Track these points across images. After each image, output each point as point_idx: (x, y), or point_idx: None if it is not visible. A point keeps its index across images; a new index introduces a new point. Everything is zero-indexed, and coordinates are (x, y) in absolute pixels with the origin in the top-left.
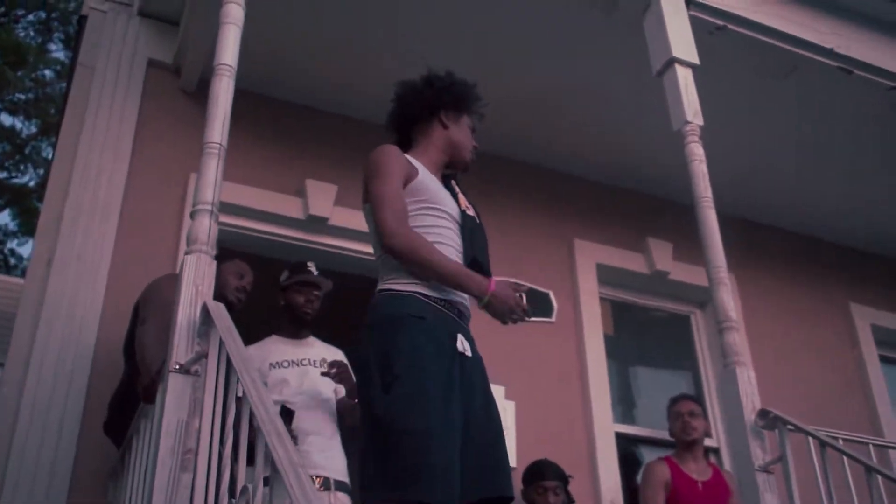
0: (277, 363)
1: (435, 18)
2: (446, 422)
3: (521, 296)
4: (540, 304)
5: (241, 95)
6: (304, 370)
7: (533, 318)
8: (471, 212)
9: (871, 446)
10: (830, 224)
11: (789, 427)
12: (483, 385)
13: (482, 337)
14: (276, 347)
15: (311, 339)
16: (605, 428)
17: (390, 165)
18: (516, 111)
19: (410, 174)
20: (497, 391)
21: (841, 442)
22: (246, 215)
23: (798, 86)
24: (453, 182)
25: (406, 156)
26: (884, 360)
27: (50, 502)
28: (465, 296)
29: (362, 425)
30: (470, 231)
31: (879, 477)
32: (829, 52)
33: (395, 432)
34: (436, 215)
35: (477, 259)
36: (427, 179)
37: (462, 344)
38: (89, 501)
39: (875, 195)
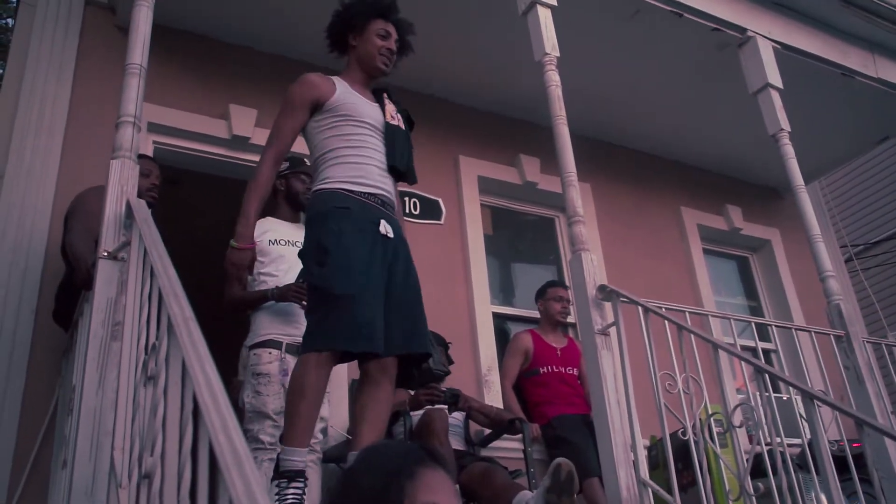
0: (276, 240)
1: None
2: (368, 288)
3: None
4: (431, 210)
5: (172, 32)
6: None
7: (425, 221)
8: (394, 121)
9: (686, 313)
10: (666, 142)
11: (622, 299)
12: (405, 260)
13: None
14: (275, 226)
15: (303, 224)
16: (484, 309)
17: (292, 100)
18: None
19: (324, 95)
20: None
21: (664, 310)
22: (177, 135)
23: (641, 26)
24: (385, 95)
25: (332, 78)
26: (706, 251)
27: (11, 380)
28: (388, 189)
29: (308, 295)
30: (391, 139)
31: (692, 335)
32: None
33: (327, 297)
34: (355, 124)
35: (395, 166)
36: (345, 96)
37: (384, 227)
38: (45, 376)
39: (701, 120)
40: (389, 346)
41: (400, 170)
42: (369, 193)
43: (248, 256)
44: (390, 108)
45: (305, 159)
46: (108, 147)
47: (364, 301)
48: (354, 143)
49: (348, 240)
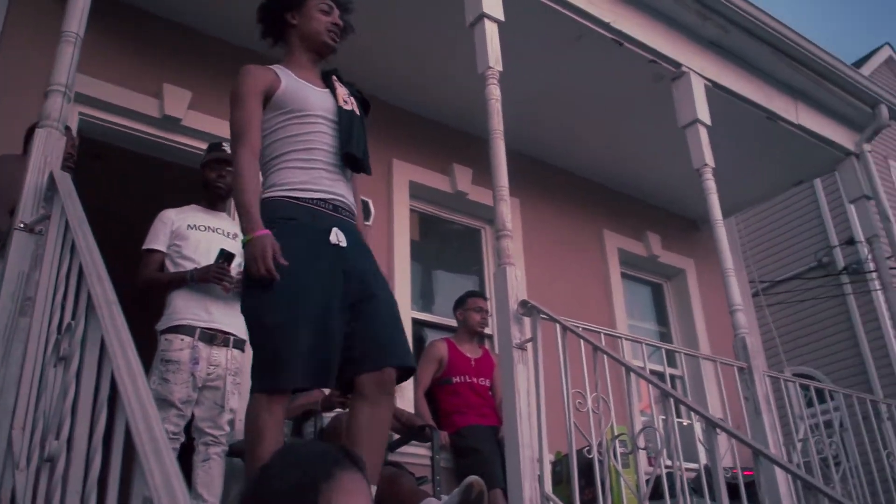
0: (195, 226)
1: None
2: (306, 314)
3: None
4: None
5: (110, 3)
6: (217, 237)
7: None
8: (348, 106)
9: (602, 334)
10: (595, 165)
11: (542, 315)
12: (367, 269)
13: None
14: (194, 213)
15: (224, 214)
16: (404, 314)
17: (241, 91)
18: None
19: (272, 87)
20: None
21: (581, 329)
22: (105, 109)
23: (582, 50)
24: (334, 77)
25: (273, 68)
26: (624, 275)
27: None
28: (340, 192)
29: (246, 324)
30: (347, 126)
31: (605, 356)
32: (606, 25)
33: (254, 327)
34: (302, 122)
35: (351, 153)
36: (291, 87)
37: (336, 236)
38: None
39: (630, 148)
40: (373, 359)
41: (357, 157)
42: (319, 199)
43: (271, 240)
44: (342, 91)
45: (224, 143)
46: (28, 116)
47: (297, 330)
48: (302, 144)
49: (291, 260)
